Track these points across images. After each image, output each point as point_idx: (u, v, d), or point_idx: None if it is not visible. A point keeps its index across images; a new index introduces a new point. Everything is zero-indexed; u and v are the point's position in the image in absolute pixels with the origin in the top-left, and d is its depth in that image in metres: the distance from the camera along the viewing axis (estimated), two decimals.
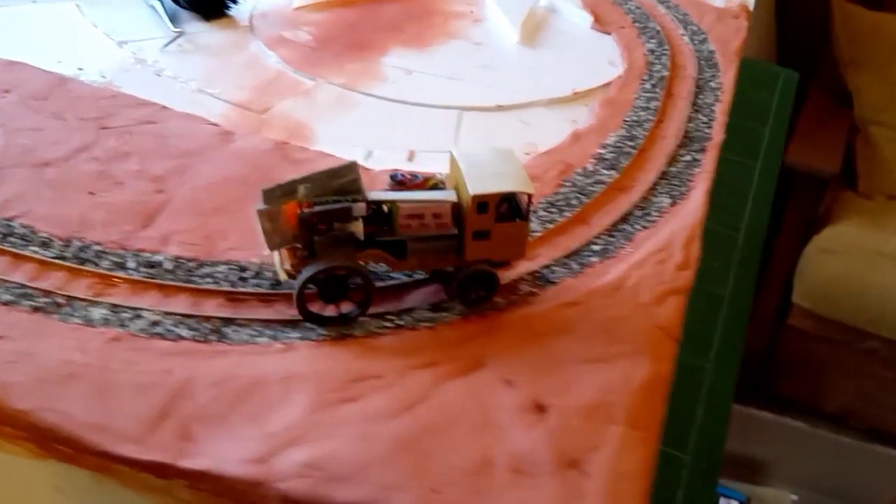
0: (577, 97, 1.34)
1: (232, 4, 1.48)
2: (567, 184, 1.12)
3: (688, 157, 1.20)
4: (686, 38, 1.53)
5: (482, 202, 0.80)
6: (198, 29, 1.44)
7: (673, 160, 1.19)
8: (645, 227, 1.05)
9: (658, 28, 1.55)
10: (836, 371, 2.87)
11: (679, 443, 1.25)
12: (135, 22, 1.43)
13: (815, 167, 2.73)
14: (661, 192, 1.12)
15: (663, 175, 1.15)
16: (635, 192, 1.12)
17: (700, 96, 1.35)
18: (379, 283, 0.87)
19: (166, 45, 1.38)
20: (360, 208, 0.78)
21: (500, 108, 1.29)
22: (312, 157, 1.13)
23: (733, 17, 1.62)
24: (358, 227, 0.79)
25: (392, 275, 0.89)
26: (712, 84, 1.39)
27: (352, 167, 0.80)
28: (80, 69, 1.31)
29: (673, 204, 1.10)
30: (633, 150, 1.19)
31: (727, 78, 1.40)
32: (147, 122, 1.17)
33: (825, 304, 2.74)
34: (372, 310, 0.86)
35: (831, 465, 2.77)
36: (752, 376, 2.92)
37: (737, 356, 1.44)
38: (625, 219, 1.07)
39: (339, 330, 0.83)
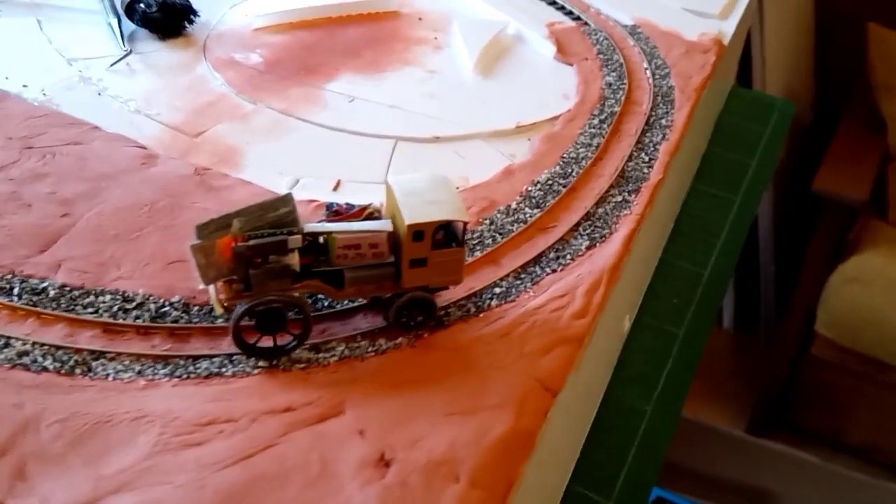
0: (521, 131, 1.31)
1: (188, 25, 1.47)
2: (486, 221, 1.09)
3: (618, 198, 1.16)
4: (648, 73, 1.49)
5: (418, 230, 0.81)
6: (151, 48, 1.44)
7: (602, 200, 1.15)
8: (555, 271, 1.02)
9: (621, 61, 1.52)
10: (858, 403, 2.79)
11: (604, 487, 1.22)
12: (91, 39, 1.44)
13: (844, 195, 2.66)
14: (582, 234, 1.09)
15: (587, 216, 1.12)
16: (555, 232, 1.09)
17: (647, 134, 1.31)
18: (316, 313, 0.87)
19: (113, 63, 1.37)
20: (295, 241, 0.78)
21: (437, 139, 1.26)
22: (231, 184, 1.12)
23: (702, 51, 1.58)
24: (294, 259, 0.79)
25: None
26: (664, 122, 1.35)
27: (286, 199, 0.80)
28: (25, 86, 1.31)
29: (590, 247, 1.07)
30: (563, 189, 1.16)
31: (680, 116, 1.36)
32: (73, 143, 1.17)
33: (848, 335, 2.67)
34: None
35: (848, 502, 2.69)
36: (772, 405, 2.85)
37: (680, 400, 1.40)
38: (537, 261, 1.04)
39: (274, 362, 0.83)
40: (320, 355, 0.86)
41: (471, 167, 1.22)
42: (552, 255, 1.05)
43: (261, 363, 0.85)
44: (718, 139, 2.10)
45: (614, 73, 1.47)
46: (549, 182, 1.17)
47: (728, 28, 1.71)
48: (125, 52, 1.39)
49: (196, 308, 0.91)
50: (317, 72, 1.40)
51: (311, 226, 0.82)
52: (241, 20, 1.54)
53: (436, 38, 1.57)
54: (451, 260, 0.85)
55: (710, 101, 1.76)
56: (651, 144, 1.29)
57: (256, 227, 0.78)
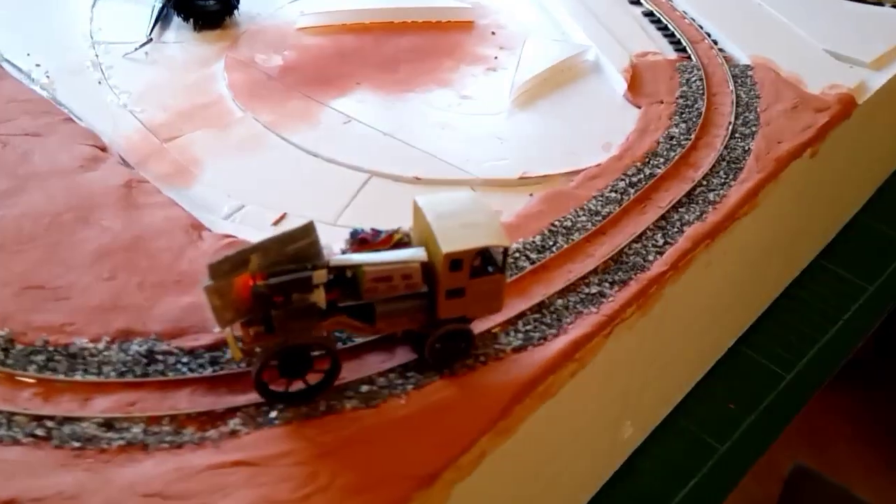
0: (524, 183, 1.10)
1: (226, 18, 1.38)
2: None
3: (593, 290, 0.93)
4: (728, 129, 1.21)
5: (456, 259, 0.73)
6: (181, 38, 1.35)
7: (569, 290, 0.93)
8: (443, 376, 0.82)
9: (702, 110, 1.25)
10: None
11: None
12: (134, 22, 1.38)
13: None
14: (518, 332, 0.87)
15: (539, 307, 0.90)
16: (484, 321, 0.88)
17: (682, 210, 1.06)
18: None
19: (130, 52, 1.30)
20: (320, 276, 0.71)
21: (417, 180, 1.08)
22: (156, 203, 1.01)
23: (816, 109, 1.27)
24: (320, 296, 0.71)
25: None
26: (711, 196, 1.08)
27: (307, 230, 0.72)
28: (38, 65, 1.28)
29: (519, 349, 0.85)
30: (528, 266, 0.95)
31: (737, 191, 1.09)
32: (31, 135, 1.11)
33: None
34: None
35: None
36: None
37: None
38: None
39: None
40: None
41: None
42: (481, 350, 0.84)
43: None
44: (875, 209, 1.74)
45: (684, 125, 1.21)
46: (517, 255, 0.96)
47: (877, 82, 1.38)
48: (144, 41, 1.31)
49: (20, 347, 0.80)
50: (332, 84, 1.25)
51: (337, 258, 0.73)
52: (290, 17, 1.42)
53: (496, 58, 1.37)
54: (491, 288, 0.76)
55: (860, 162, 1.45)
56: (678, 224, 1.03)
57: (276, 262, 0.70)
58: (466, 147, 1.14)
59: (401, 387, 0.80)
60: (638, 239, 1.01)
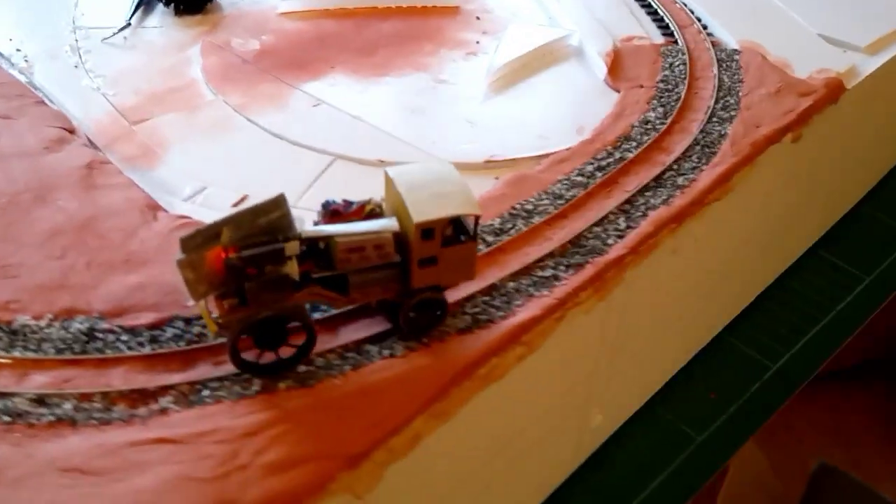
0: (490, 167, 1.08)
1: (208, 3, 1.38)
2: None
3: (546, 273, 0.92)
4: (706, 113, 1.19)
5: (427, 229, 0.74)
6: (161, 23, 1.36)
7: (523, 272, 0.91)
8: (387, 356, 0.81)
9: (682, 94, 1.23)
10: None
11: None
12: (116, 8, 1.38)
13: None
14: (466, 313, 0.86)
15: (490, 289, 0.89)
16: None
17: (648, 194, 1.04)
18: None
19: (108, 36, 1.31)
20: (292, 247, 0.71)
21: (381, 163, 1.07)
22: (116, 184, 1.01)
23: (800, 93, 1.24)
24: (293, 268, 0.72)
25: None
26: (680, 180, 1.06)
27: (278, 202, 0.72)
28: (18, 50, 1.28)
29: (464, 331, 0.84)
30: (485, 249, 0.93)
31: (708, 175, 1.07)
32: (3, 117, 1.11)
33: None
34: None
35: None
36: None
37: None
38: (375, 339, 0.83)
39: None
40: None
41: None
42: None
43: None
44: (879, 199, 1.70)
45: (662, 109, 1.19)
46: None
47: (871, 66, 1.34)
48: (122, 26, 1.31)
49: None
50: (306, 68, 1.25)
51: (310, 230, 0.74)
52: (273, 2, 1.41)
53: (478, 42, 1.36)
54: (463, 256, 0.78)
55: (857, 149, 1.41)
56: (642, 208, 1.01)
57: (248, 234, 0.70)
58: (436, 131, 1.13)
59: (338, 367, 0.79)
60: (599, 223, 0.99)
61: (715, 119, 1.18)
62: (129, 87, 1.19)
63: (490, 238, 0.95)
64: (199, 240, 0.70)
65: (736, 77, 1.28)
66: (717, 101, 1.22)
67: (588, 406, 1.07)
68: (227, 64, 1.24)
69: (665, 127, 1.15)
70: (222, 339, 0.78)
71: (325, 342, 0.80)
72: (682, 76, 1.27)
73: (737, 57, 1.33)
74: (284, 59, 1.26)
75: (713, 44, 1.37)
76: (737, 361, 1.36)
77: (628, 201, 1.02)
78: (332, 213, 0.78)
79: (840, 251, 1.59)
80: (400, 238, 0.75)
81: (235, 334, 0.72)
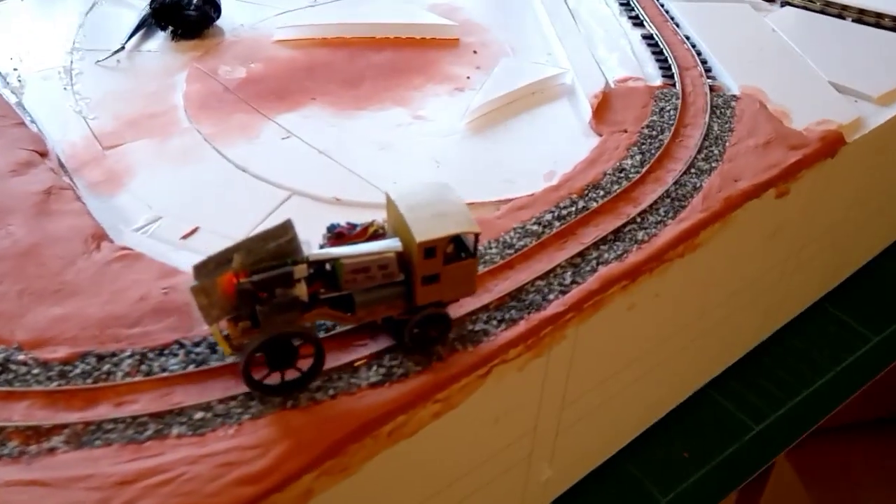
0: None
1: (205, 28, 1.39)
2: None
3: (477, 328, 0.89)
4: (684, 164, 1.15)
5: (429, 248, 0.76)
6: (158, 47, 1.38)
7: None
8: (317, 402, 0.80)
9: (664, 142, 1.19)
10: None
11: None
12: (123, 29, 1.41)
13: None
14: (386, 365, 0.84)
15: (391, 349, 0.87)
16: (346, 353, 0.86)
17: (603, 247, 1.00)
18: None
19: (102, 59, 1.33)
20: (301, 270, 0.74)
21: (337, 201, 1.06)
22: (70, 211, 1.02)
23: (791, 146, 1.19)
24: (301, 290, 0.75)
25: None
26: (640, 234, 1.03)
27: (286, 227, 0.75)
28: (15, 69, 1.32)
29: (379, 385, 0.82)
30: None
31: (669, 231, 1.03)
32: None
33: None
34: None
35: None
36: None
37: None
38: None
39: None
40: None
41: None
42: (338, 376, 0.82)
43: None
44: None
45: (640, 157, 1.15)
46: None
47: (880, 118, 1.28)
48: (116, 49, 1.34)
49: None
50: (286, 98, 1.25)
51: (316, 253, 0.77)
52: (272, 30, 1.42)
53: (468, 78, 1.34)
54: (464, 273, 0.81)
55: (866, 204, 1.36)
56: (593, 263, 0.98)
57: (258, 259, 0.73)
58: (400, 169, 1.12)
59: (237, 416, 0.78)
60: (544, 276, 0.96)
61: (693, 170, 1.14)
62: (110, 112, 1.21)
63: None
64: (211, 266, 0.72)
65: (727, 126, 1.23)
66: (699, 151, 1.17)
67: (535, 460, 1.04)
68: (209, 91, 1.24)
69: (638, 176, 1.11)
70: (130, 379, 0.78)
71: (231, 391, 0.79)
72: (670, 122, 1.23)
73: (734, 103, 1.29)
74: (267, 89, 1.26)
75: (712, 88, 1.33)
76: (718, 419, 1.31)
77: (580, 254, 0.99)
78: (336, 235, 0.81)
79: (849, 307, 1.52)
80: (403, 257, 0.77)
81: (247, 355, 0.74)
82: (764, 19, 1.57)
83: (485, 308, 0.91)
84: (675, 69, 1.37)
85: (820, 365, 1.41)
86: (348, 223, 0.82)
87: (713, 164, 1.15)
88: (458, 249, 0.81)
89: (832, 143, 1.21)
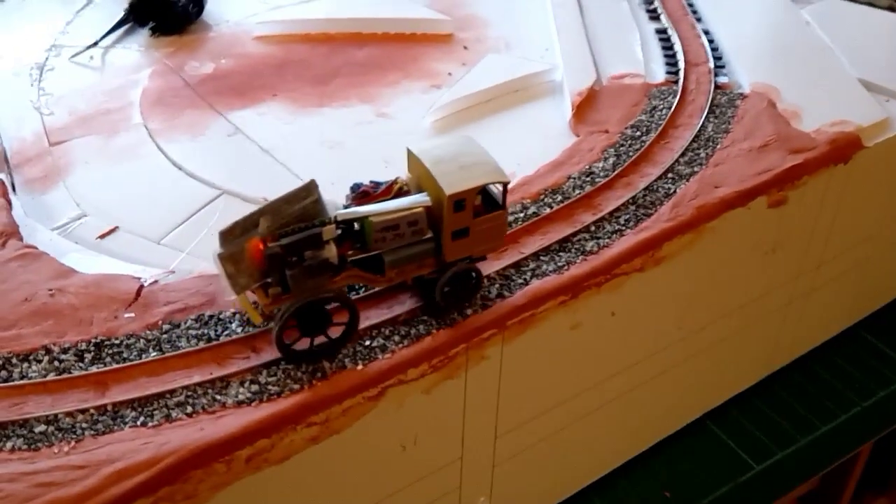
0: None
1: (184, 25, 1.35)
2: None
3: (376, 343, 0.80)
4: (658, 169, 1.03)
5: (459, 200, 0.74)
6: (136, 44, 1.34)
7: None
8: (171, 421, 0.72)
9: (646, 144, 1.07)
10: None
11: None
12: (106, 26, 1.38)
13: None
14: (259, 382, 0.76)
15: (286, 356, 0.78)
16: (231, 363, 0.78)
17: (536, 261, 0.89)
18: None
19: (75, 55, 1.30)
20: (329, 231, 0.72)
21: (265, 201, 0.98)
22: None
23: (792, 150, 1.05)
24: (331, 252, 0.72)
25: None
26: (587, 246, 0.91)
27: (309, 188, 0.73)
28: None
29: (246, 404, 0.74)
30: None
31: (622, 245, 0.91)
32: None
33: None
34: None
35: None
36: None
37: None
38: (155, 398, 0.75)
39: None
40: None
41: None
42: (181, 396, 0.74)
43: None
44: None
45: (614, 159, 1.04)
46: None
47: None
48: (89, 45, 1.30)
49: None
50: (246, 95, 1.18)
51: (344, 212, 0.74)
52: (254, 25, 1.37)
53: (450, 74, 1.25)
54: (494, 225, 0.77)
55: None
56: (528, 275, 0.87)
57: (283, 223, 0.71)
58: (343, 170, 1.02)
59: (81, 431, 0.71)
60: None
61: (671, 175, 1.01)
62: (66, 107, 1.17)
63: (359, 291, 0.83)
64: (238, 232, 0.70)
65: (723, 127, 1.10)
66: (683, 154, 1.04)
67: (468, 493, 0.93)
68: (169, 87, 1.19)
69: (605, 181, 0.99)
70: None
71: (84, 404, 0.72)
72: (659, 122, 1.10)
73: (738, 102, 1.15)
74: (229, 85, 1.20)
75: (719, 86, 1.19)
76: (713, 455, 1.16)
77: (515, 265, 0.88)
78: (361, 194, 0.78)
79: (887, 333, 1.34)
80: (431, 213, 0.75)
81: (281, 322, 0.71)
82: (800, 11, 1.42)
83: (391, 321, 0.81)
84: (681, 65, 1.24)
85: (845, 398, 1.24)
86: (372, 181, 0.79)
87: (695, 169, 1.02)
88: (485, 203, 0.77)
89: (844, 147, 1.06)
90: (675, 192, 0.98)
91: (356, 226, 0.74)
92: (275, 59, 1.28)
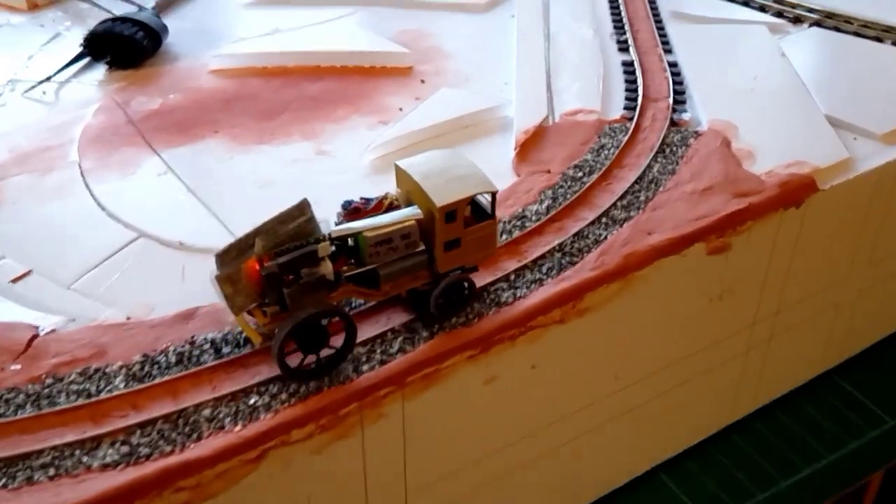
0: None
1: (139, 59, 1.34)
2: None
3: (258, 401, 0.76)
4: (593, 214, 0.98)
5: (450, 211, 0.76)
6: (91, 78, 1.33)
7: (224, 401, 0.77)
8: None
9: (584, 185, 1.03)
10: None
11: None
12: (62, 58, 1.37)
13: None
14: (134, 444, 0.73)
15: (176, 416, 0.75)
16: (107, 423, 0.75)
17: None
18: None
19: (27, 89, 1.30)
20: (325, 248, 0.73)
21: (181, 245, 0.96)
22: None
23: (738, 194, 1.00)
24: (327, 268, 0.74)
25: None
26: (503, 297, 0.87)
27: (302, 207, 0.75)
28: None
29: (111, 466, 0.71)
30: (209, 361, 0.80)
31: (539, 295, 0.86)
32: None
33: None
34: None
35: None
36: None
37: None
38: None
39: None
40: None
41: (168, 288, 0.90)
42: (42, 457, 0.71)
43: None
44: None
45: (550, 202, 1.00)
46: (205, 347, 0.81)
47: (880, 160, 1.07)
48: (42, 79, 1.30)
49: None
50: (187, 131, 1.16)
51: (338, 228, 0.76)
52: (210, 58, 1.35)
53: (401, 109, 1.22)
54: (484, 235, 0.80)
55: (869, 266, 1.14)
56: (432, 328, 0.83)
57: (278, 242, 0.73)
58: (268, 210, 1.00)
59: None
60: (369, 341, 0.82)
61: (605, 220, 0.97)
62: (9, 145, 1.16)
63: (225, 349, 0.80)
64: (234, 253, 0.71)
65: (670, 168, 1.05)
66: (622, 197, 1.00)
67: None
68: (111, 124, 1.18)
69: (535, 226, 0.95)
70: None
71: None
72: (605, 162, 1.06)
73: (691, 141, 1.10)
74: (172, 121, 1.18)
75: (675, 123, 1.14)
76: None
77: (409, 325, 0.84)
78: (353, 210, 0.80)
79: (862, 379, 1.28)
80: (422, 226, 0.77)
81: (280, 341, 0.73)
82: (777, 42, 1.36)
83: (278, 378, 0.78)
84: (639, 100, 1.19)
85: (811, 450, 1.18)
86: (362, 198, 0.81)
87: (631, 214, 0.97)
88: (474, 213, 0.80)
89: (796, 191, 1.01)
90: (605, 238, 0.93)
91: (350, 241, 0.76)
92: (225, 93, 1.26)
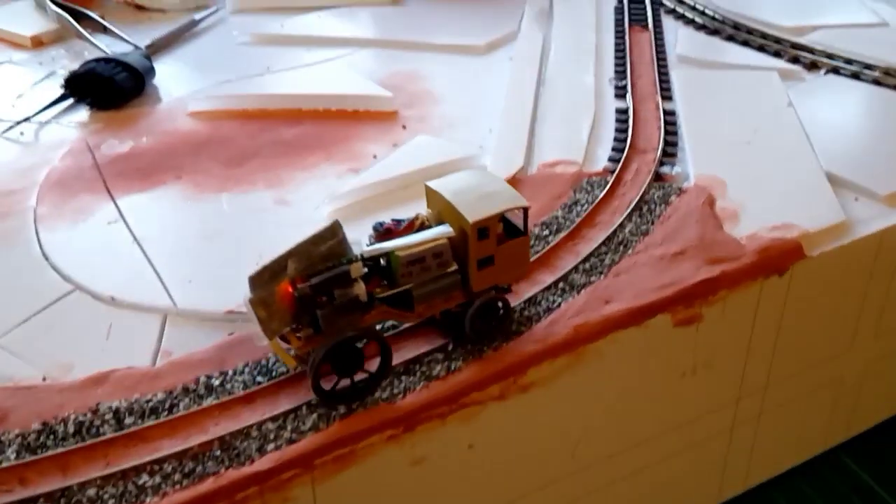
0: (230, 318, 0.89)
1: (120, 101, 1.31)
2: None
3: (149, 481, 0.71)
4: (552, 277, 0.91)
5: (483, 227, 0.75)
6: (70, 119, 1.31)
7: (112, 480, 0.72)
8: None
9: (548, 244, 0.96)
10: None
11: None
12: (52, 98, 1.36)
13: None
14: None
15: (57, 497, 0.70)
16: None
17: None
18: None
19: (6, 129, 1.28)
20: (357, 268, 0.73)
21: (112, 301, 0.92)
22: None
23: (713, 260, 0.92)
24: (360, 289, 0.73)
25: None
26: (435, 370, 0.80)
27: (334, 229, 0.74)
28: None
29: None
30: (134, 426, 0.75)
31: (474, 369, 0.80)
32: None
33: None
34: None
35: None
36: None
37: None
38: None
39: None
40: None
41: (91, 346, 0.85)
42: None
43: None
44: None
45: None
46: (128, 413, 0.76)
47: (881, 223, 0.99)
48: (20, 120, 1.28)
49: None
50: (151, 177, 1.13)
51: (370, 248, 0.75)
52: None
53: (374, 157, 1.17)
54: (518, 252, 0.79)
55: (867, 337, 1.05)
56: (351, 405, 0.77)
57: (310, 264, 0.72)
58: (208, 266, 0.96)
59: None
60: (280, 417, 0.75)
61: (563, 285, 0.89)
62: None
63: (128, 419, 0.75)
64: (267, 276, 0.70)
65: (644, 228, 0.97)
66: (586, 260, 0.92)
67: None
68: (77, 168, 1.15)
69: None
70: None
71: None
72: (574, 220, 0.99)
73: (673, 198, 1.02)
74: (136, 166, 1.15)
75: (662, 178, 1.07)
76: None
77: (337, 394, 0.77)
78: (385, 231, 0.79)
79: (870, 460, 1.17)
80: (454, 244, 0.76)
81: (316, 364, 0.72)
82: (786, 91, 1.28)
83: (176, 456, 0.72)
84: (624, 153, 1.12)
85: None
86: (393, 220, 0.80)
87: (591, 279, 0.89)
88: (506, 230, 0.79)
89: (779, 258, 0.92)
90: (558, 305, 0.86)
91: (382, 262, 0.75)
92: (198, 136, 1.22)
